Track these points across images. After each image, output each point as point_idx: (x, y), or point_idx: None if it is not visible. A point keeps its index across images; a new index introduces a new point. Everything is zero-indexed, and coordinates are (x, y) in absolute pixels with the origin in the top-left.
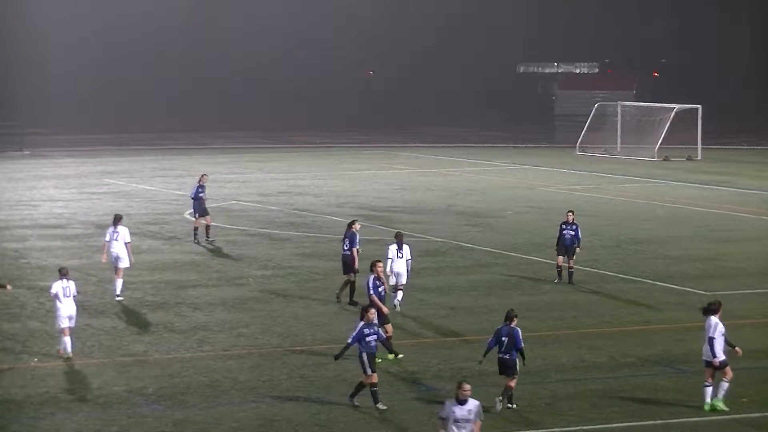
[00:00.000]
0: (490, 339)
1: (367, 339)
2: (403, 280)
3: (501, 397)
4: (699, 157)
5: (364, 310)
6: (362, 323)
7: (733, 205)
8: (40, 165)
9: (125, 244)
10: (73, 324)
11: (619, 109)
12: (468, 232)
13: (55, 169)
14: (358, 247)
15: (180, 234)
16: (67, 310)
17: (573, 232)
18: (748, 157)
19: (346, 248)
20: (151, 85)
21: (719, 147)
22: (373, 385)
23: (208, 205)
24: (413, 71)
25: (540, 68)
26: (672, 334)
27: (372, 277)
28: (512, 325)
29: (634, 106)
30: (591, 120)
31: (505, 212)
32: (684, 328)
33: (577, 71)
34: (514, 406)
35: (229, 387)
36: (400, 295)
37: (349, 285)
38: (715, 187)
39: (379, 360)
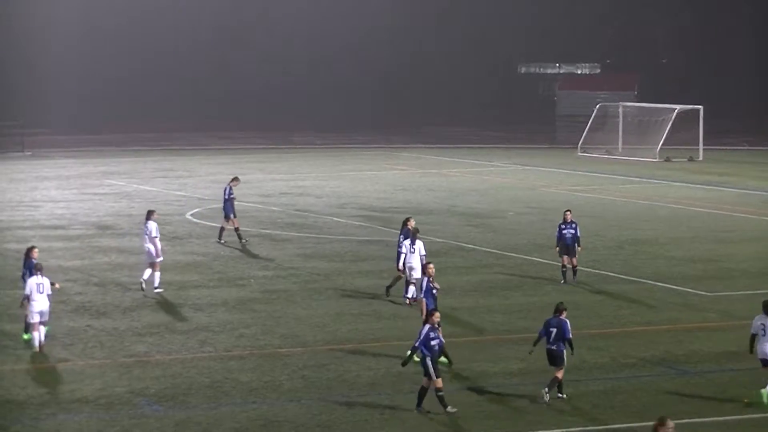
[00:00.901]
0: (541, 329)
1: (432, 343)
2: (417, 274)
3: (547, 389)
4: (700, 158)
5: (430, 314)
6: (428, 327)
7: (735, 205)
8: (42, 166)
9: (153, 238)
10: (45, 319)
11: (620, 110)
12: (469, 232)
13: (56, 170)
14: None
15: (181, 235)
16: (39, 306)
17: (573, 231)
18: (749, 158)
19: (401, 244)
20: (152, 86)
21: (721, 148)
22: (438, 389)
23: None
24: (414, 71)
25: (541, 69)
26: (674, 334)
27: (426, 278)
28: (561, 317)
29: (635, 106)
30: (592, 120)
31: (506, 213)
32: (685, 328)
33: (579, 72)
34: (564, 396)
35: (231, 388)
36: (411, 289)
37: (398, 279)
38: (716, 187)
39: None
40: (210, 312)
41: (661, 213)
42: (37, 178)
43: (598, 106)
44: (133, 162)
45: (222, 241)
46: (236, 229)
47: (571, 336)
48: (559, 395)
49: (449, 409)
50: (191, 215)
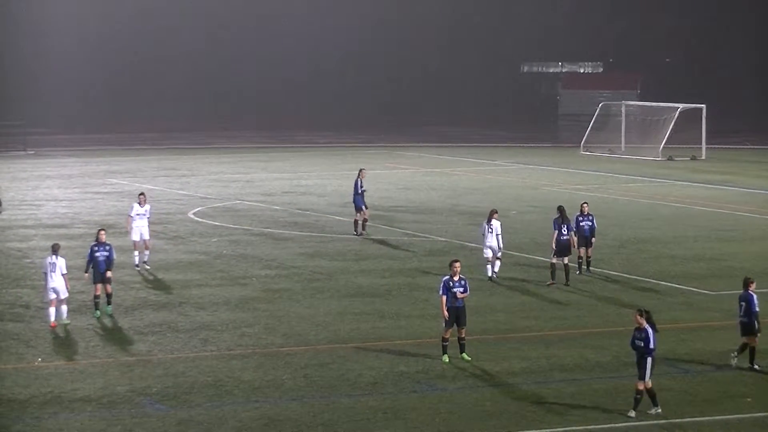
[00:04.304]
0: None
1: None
2: (497, 252)
3: (735, 353)
4: (703, 157)
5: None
6: (651, 329)
7: (737, 204)
8: (44, 165)
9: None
10: (62, 296)
11: (623, 109)
12: (472, 231)
13: (58, 169)
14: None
15: (184, 233)
16: (52, 284)
17: (590, 223)
18: (752, 157)
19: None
20: (154, 85)
21: (723, 146)
22: (639, 392)
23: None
24: (417, 71)
25: (544, 68)
26: (676, 333)
27: (445, 278)
28: (749, 291)
29: (638, 105)
30: (595, 119)
31: (509, 212)
32: (688, 327)
33: (581, 71)
34: (757, 366)
35: (233, 387)
36: (497, 265)
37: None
38: (719, 186)
39: (447, 359)
40: (212, 311)
41: (663, 212)
42: (39, 177)
43: (600, 105)
44: (135, 161)
45: (358, 234)
46: (364, 221)
47: (757, 310)
48: (755, 367)
49: (631, 413)
50: (193, 214)
